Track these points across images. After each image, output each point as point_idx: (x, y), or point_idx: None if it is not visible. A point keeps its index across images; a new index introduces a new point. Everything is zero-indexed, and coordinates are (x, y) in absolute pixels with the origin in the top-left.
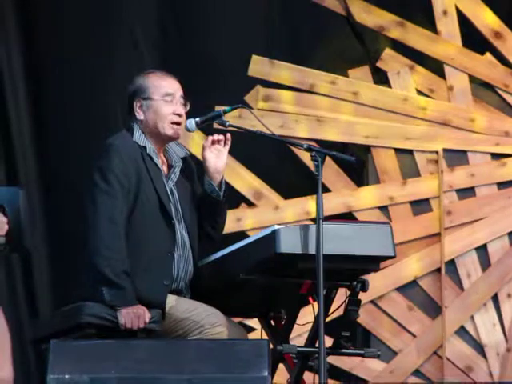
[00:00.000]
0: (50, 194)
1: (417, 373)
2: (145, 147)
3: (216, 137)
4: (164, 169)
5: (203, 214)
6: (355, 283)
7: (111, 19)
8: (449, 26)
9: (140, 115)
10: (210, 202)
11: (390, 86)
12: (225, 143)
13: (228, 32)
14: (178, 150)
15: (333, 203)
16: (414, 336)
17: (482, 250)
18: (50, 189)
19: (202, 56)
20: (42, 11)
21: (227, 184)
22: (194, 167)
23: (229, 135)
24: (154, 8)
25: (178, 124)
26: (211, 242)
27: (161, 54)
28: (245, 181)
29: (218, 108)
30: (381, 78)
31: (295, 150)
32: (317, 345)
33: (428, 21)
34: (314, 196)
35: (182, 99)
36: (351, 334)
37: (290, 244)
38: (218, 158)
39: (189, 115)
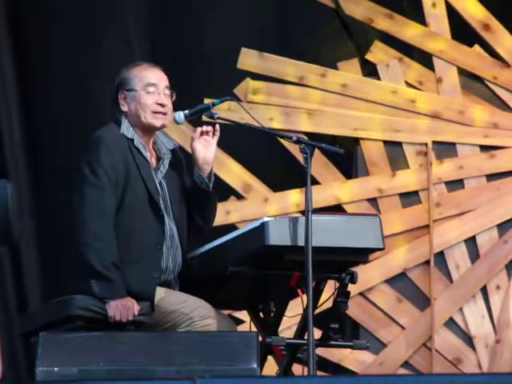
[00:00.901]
0: (39, 187)
1: (406, 365)
2: (132, 140)
3: (205, 128)
4: (153, 161)
5: (193, 205)
6: (344, 275)
7: (101, 15)
8: (437, 19)
9: (124, 107)
10: (200, 194)
11: (379, 79)
12: (213, 134)
13: (218, 24)
14: (167, 142)
15: (322, 195)
16: (403, 328)
17: (471, 241)
18: (39, 182)
19: (191, 48)
20: (31, 8)
21: (216, 176)
22: (183, 159)
23: (217, 126)
24: (143, 2)
25: (162, 114)
26: (201, 233)
27: (150, 46)
28: (234, 173)
29: (207, 100)
30: (370, 70)
31: (284, 142)
32: (306, 337)
33: (417, 13)
34: (303, 188)
35: (167, 90)
36: (340, 326)
37: (278, 236)
38: (207, 149)
39: (178, 108)
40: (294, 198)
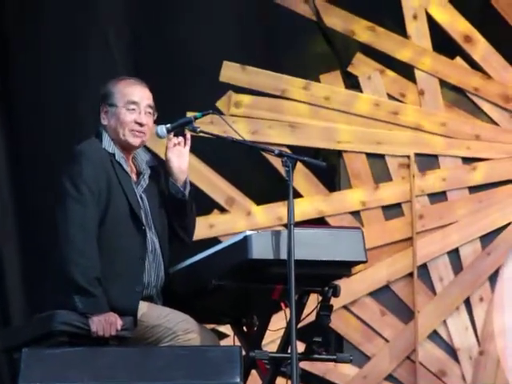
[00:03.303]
0: (23, 198)
1: (390, 377)
2: (114, 154)
3: (175, 140)
4: (133, 175)
5: (171, 215)
6: (327, 288)
7: (84, 22)
8: (419, 31)
9: (104, 120)
10: (176, 203)
11: (361, 91)
12: (185, 144)
13: (200, 37)
14: (146, 159)
15: (305, 208)
16: (387, 341)
17: (454, 253)
18: (22, 192)
19: (174, 61)
20: (16, 14)
21: (199, 190)
22: (162, 174)
23: (188, 135)
24: (126, 14)
25: (140, 132)
26: (183, 245)
27: (133, 59)
28: (217, 187)
29: (190, 114)
30: (352, 82)
31: (267, 155)
32: (289, 350)
33: (398, 25)
34: (286, 201)
35: (150, 108)
36: (324, 340)
37: (261, 250)
38: (180, 159)
39: (160, 121)
40: (276, 211)
